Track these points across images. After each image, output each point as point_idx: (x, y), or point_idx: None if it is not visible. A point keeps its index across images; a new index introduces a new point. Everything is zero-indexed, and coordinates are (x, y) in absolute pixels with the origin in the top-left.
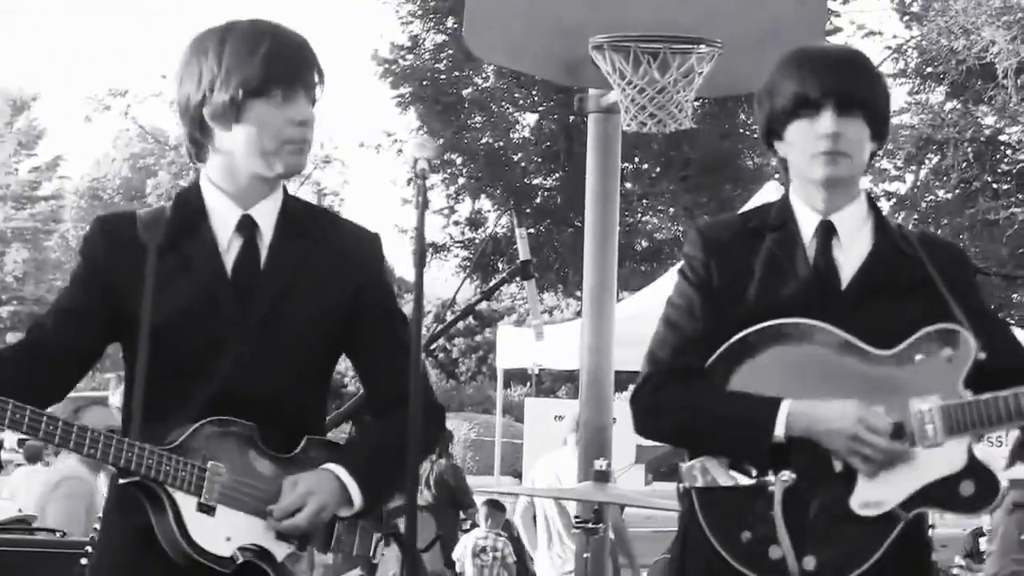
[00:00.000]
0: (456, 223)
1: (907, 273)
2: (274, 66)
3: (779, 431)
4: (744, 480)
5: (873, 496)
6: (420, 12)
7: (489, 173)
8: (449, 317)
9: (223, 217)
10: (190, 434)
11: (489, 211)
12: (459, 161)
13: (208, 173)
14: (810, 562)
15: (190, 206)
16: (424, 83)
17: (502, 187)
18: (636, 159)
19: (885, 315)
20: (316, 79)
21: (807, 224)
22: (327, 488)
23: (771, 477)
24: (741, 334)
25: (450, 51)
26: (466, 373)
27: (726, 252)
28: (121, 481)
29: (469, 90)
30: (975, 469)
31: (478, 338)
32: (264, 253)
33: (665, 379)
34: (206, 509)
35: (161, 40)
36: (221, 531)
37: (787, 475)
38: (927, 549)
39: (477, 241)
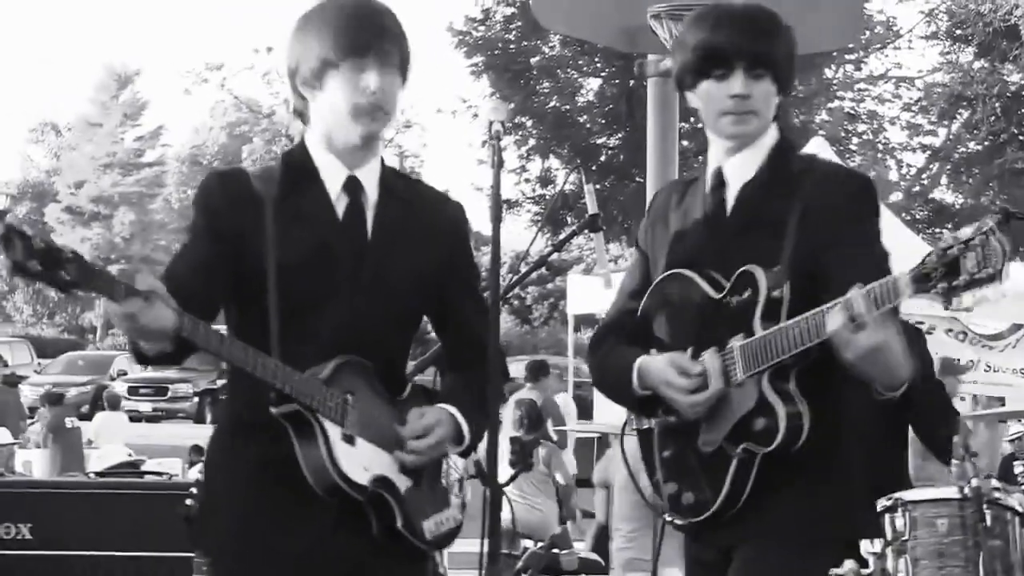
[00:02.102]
0: (527, 181)
1: (777, 207)
2: (345, 38)
3: (635, 386)
4: (644, 425)
5: (708, 435)
6: None
7: (557, 134)
8: (523, 268)
9: (332, 175)
10: (334, 368)
11: (558, 169)
12: (529, 124)
13: (313, 134)
14: (688, 497)
15: (300, 164)
16: (495, 52)
17: (569, 147)
18: (692, 119)
19: (759, 248)
20: (392, 47)
21: (710, 171)
22: (447, 423)
23: (648, 423)
24: (652, 284)
25: (519, 23)
26: (539, 319)
27: (660, 212)
28: (275, 410)
29: (537, 58)
30: (763, 406)
31: (550, 286)
32: (370, 214)
33: (601, 336)
34: (348, 439)
35: (253, 16)
36: (360, 460)
37: (646, 421)
38: (811, 481)
39: (547, 197)
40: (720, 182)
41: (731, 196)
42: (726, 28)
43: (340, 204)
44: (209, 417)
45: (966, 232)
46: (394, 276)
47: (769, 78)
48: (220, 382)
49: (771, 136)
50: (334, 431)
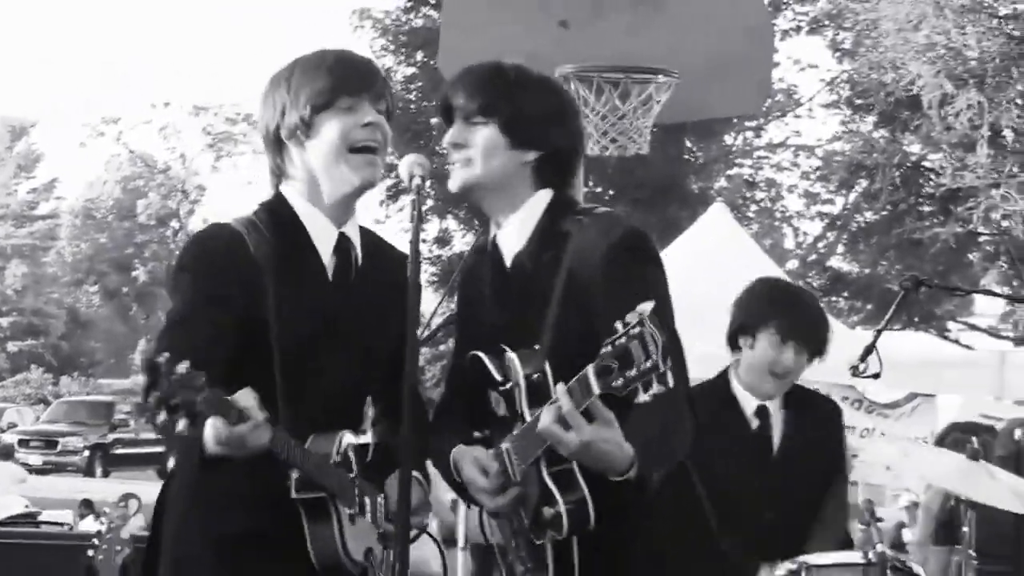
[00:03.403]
0: (424, 241)
1: (544, 277)
2: (338, 78)
3: (455, 477)
4: None
5: (523, 523)
6: (392, 47)
7: (455, 195)
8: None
9: (321, 235)
10: (338, 447)
11: (455, 230)
12: (428, 184)
13: (294, 187)
14: None
15: (287, 223)
16: (395, 112)
17: (467, 208)
18: (591, 183)
19: (532, 326)
20: (383, 90)
21: (490, 238)
22: (419, 492)
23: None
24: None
25: (419, 83)
26: (431, 379)
27: (465, 283)
28: (298, 495)
29: (436, 119)
30: (545, 495)
31: (442, 348)
32: (355, 274)
33: (432, 421)
34: (352, 519)
35: (151, 70)
36: (359, 536)
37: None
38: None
39: (443, 258)
40: (496, 253)
41: (507, 268)
42: (452, 84)
43: (331, 266)
44: (99, 471)
45: (629, 319)
46: (380, 338)
47: (494, 126)
48: (111, 436)
49: (541, 198)
50: (344, 512)
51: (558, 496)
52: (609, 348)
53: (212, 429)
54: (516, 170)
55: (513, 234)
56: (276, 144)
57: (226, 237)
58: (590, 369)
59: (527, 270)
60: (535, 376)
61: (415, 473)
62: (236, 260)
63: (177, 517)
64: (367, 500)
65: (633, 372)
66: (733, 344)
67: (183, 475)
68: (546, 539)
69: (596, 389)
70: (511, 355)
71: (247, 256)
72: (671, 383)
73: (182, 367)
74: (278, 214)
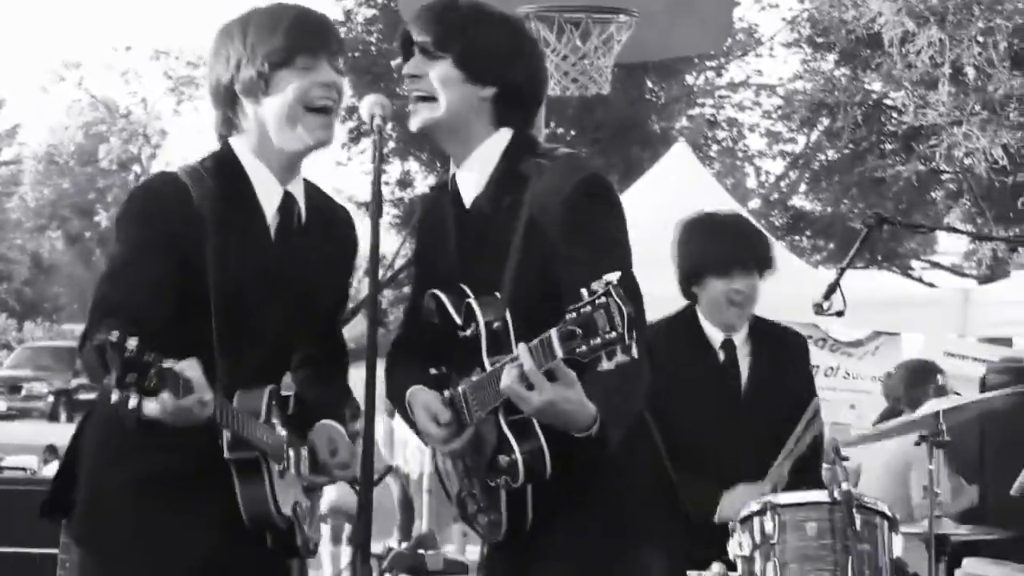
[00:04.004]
0: (386, 183)
1: (503, 222)
2: (296, 36)
3: (410, 414)
4: None
5: (477, 466)
6: None
7: (416, 137)
8: (381, 271)
9: (267, 191)
10: (267, 403)
11: (416, 172)
12: (389, 126)
13: (245, 144)
14: (482, 519)
15: (233, 176)
16: (356, 54)
17: (429, 150)
18: (552, 123)
19: (492, 272)
20: (339, 51)
21: (449, 178)
22: (347, 441)
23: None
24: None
25: (380, 25)
26: (394, 321)
27: (425, 221)
28: (231, 455)
29: (398, 60)
30: (503, 443)
31: (406, 290)
32: (296, 233)
33: (390, 355)
34: (281, 474)
35: (113, 14)
36: (287, 490)
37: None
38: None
39: (406, 200)
40: (456, 195)
41: (466, 208)
42: (412, 21)
43: (273, 224)
44: (64, 416)
45: (594, 287)
46: (318, 298)
47: (450, 60)
48: (75, 382)
49: (500, 138)
50: (274, 469)
51: (515, 444)
52: (574, 315)
53: (159, 402)
54: (474, 105)
55: (472, 176)
56: (228, 97)
57: (171, 187)
58: (554, 333)
59: (486, 214)
60: (495, 324)
61: (337, 426)
62: (179, 211)
63: (96, 454)
64: (291, 453)
65: (597, 341)
66: (687, 293)
67: (105, 411)
68: (501, 484)
69: (559, 353)
70: (471, 301)
71: (190, 207)
72: (635, 354)
73: (131, 343)
74: (225, 167)
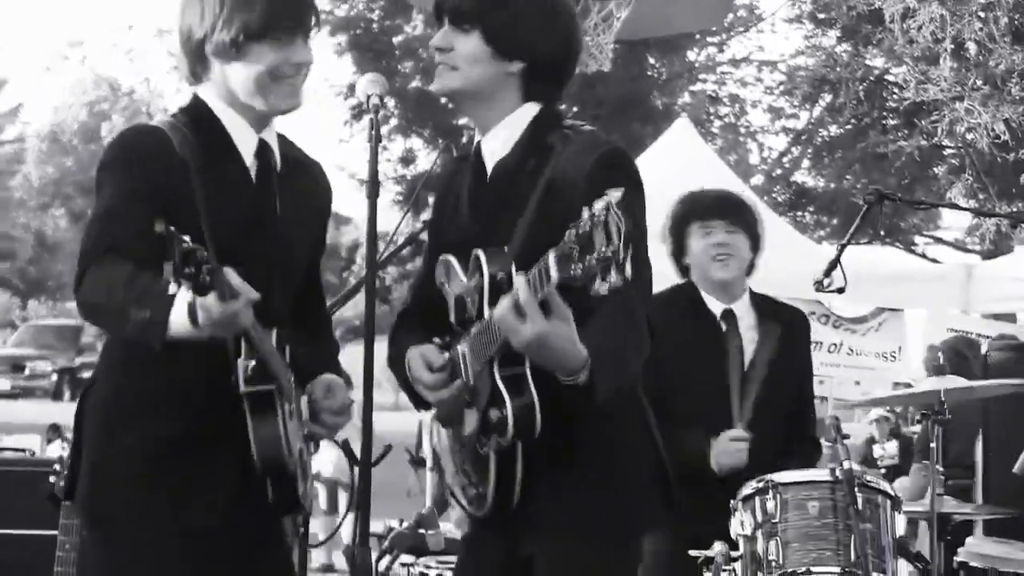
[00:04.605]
0: (388, 160)
1: (524, 183)
2: (274, 11)
3: (409, 377)
4: None
5: (469, 428)
6: None
7: (419, 114)
8: (381, 247)
9: (244, 140)
10: (277, 343)
11: (419, 149)
12: (391, 104)
13: (214, 93)
14: (471, 491)
15: (209, 125)
16: (358, 32)
17: (431, 127)
18: None
19: (506, 228)
20: (314, 22)
21: (474, 148)
22: (344, 391)
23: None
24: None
25: (381, 2)
26: (397, 299)
27: (441, 193)
28: (247, 388)
29: (400, 37)
30: (495, 397)
31: (409, 267)
32: (275, 179)
33: (395, 326)
34: (290, 414)
35: None
36: (294, 433)
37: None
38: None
39: (408, 177)
40: (479, 161)
41: (488, 173)
42: None
43: (253, 168)
44: (67, 394)
45: (596, 205)
46: (297, 246)
47: (478, 34)
48: (79, 360)
49: (527, 111)
50: (286, 408)
51: (507, 398)
52: (573, 232)
53: (203, 308)
54: (501, 80)
55: (497, 142)
56: (198, 51)
57: (151, 136)
58: (551, 253)
59: (508, 176)
60: (499, 275)
61: (336, 377)
62: (161, 157)
63: (99, 424)
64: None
65: (593, 258)
66: (680, 268)
67: (106, 381)
68: (491, 446)
69: (555, 275)
70: (478, 252)
71: (172, 153)
72: (628, 275)
73: (187, 237)
74: (199, 117)
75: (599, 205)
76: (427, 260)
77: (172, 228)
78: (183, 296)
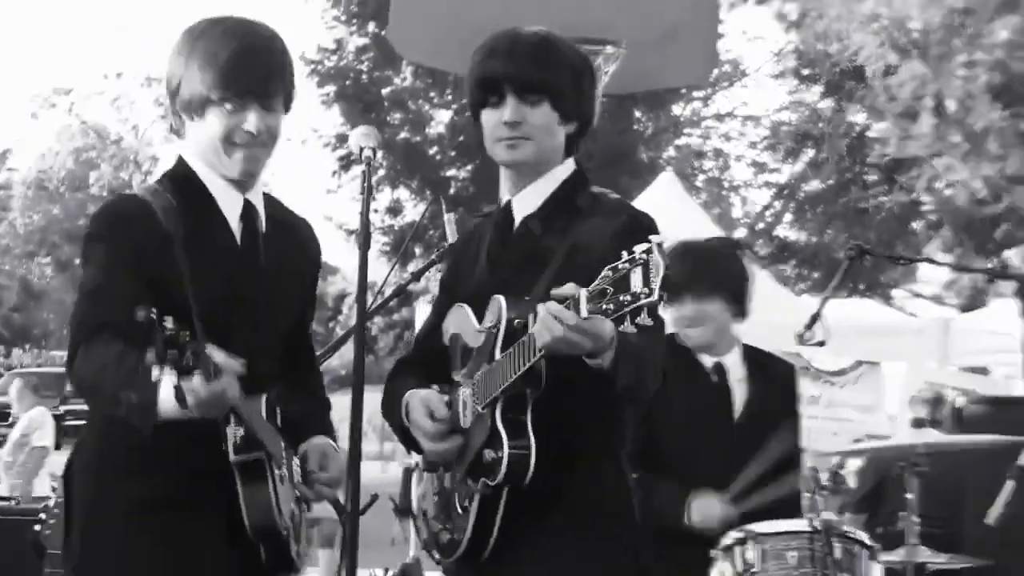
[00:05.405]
0: (375, 211)
1: (550, 241)
2: (229, 77)
3: (403, 420)
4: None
5: (458, 471)
6: (343, 17)
7: (407, 165)
8: (370, 298)
9: (228, 202)
10: (266, 410)
11: (406, 200)
12: (379, 155)
13: (194, 152)
14: (444, 536)
15: (193, 189)
16: (347, 83)
17: (419, 178)
18: None
19: (526, 282)
20: (277, 86)
21: (502, 204)
22: (340, 459)
23: None
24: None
25: (371, 53)
26: (384, 349)
27: (460, 248)
28: (237, 457)
29: (388, 89)
30: (493, 438)
31: (395, 316)
32: (261, 241)
33: (395, 369)
34: (281, 479)
35: (104, 41)
36: (285, 498)
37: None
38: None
39: (395, 228)
40: (508, 216)
41: (515, 228)
42: (498, 55)
43: (238, 232)
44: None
45: (637, 248)
46: (284, 306)
47: (547, 104)
48: (63, 408)
49: (564, 169)
50: (276, 474)
51: (505, 439)
52: (609, 273)
53: (189, 390)
54: (561, 142)
55: (529, 199)
56: (173, 104)
57: (134, 206)
58: (582, 291)
59: (534, 232)
60: (517, 321)
61: (330, 443)
62: (146, 229)
63: (89, 483)
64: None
65: (627, 298)
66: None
67: (95, 439)
68: (479, 488)
69: (584, 313)
70: (499, 298)
71: (157, 225)
72: (660, 318)
73: (168, 321)
74: (183, 182)
75: (641, 247)
76: (436, 311)
77: (153, 312)
78: (168, 379)
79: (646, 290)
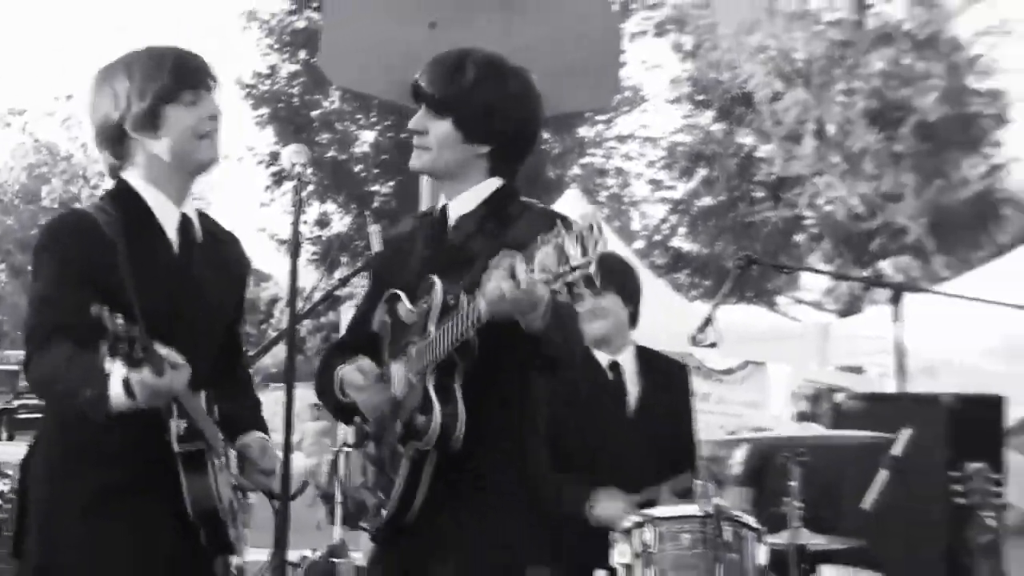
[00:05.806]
0: (305, 223)
1: (482, 241)
2: (181, 74)
3: (337, 393)
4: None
5: (390, 437)
6: (277, 45)
7: (334, 181)
8: (300, 303)
9: (166, 215)
10: (206, 405)
11: (333, 213)
12: (309, 171)
13: (136, 174)
14: (373, 501)
15: (133, 205)
16: (279, 105)
17: (345, 193)
18: None
19: (457, 274)
20: (215, 82)
21: (439, 207)
22: (275, 453)
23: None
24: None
25: (302, 79)
26: (312, 349)
27: (395, 242)
28: (180, 447)
29: (317, 112)
30: (425, 403)
31: (323, 319)
32: (196, 251)
33: (327, 352)
34: (221, 468)
35: (56, 65)
36: (224, 484)
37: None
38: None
39: (323, 239)
40: (444, 215)
41: (450, 227)
42: (426, 68)
43: (176, 242)
44: (5, 434)
45: (576, 219)
46: (219, 312)
47: (450, 121)
48: (16, 402)
49: (489, 185)
50: (217, 463)
51: (436, 404)
52: (541, 239)
53: (138, 382)
54: (470, 161)
55: (462, 204)
56: (117, 134)
57: (80, 219)
58: (517, 255)
59: (468, 230)
60: (450, 299)
61: (267, 439)
62: (91, 240)
63: (43, 476)
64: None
65: (566, 267)
66: None
67: (49, 439)
68: (408, 452)
69: (530, 276)
70: (435, 277)
71: (101, 235)
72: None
73: (118, 318)
74: (124, 198)
75: (580, 219)
76: (368, 300)
77: (106, 308)
78: (119, 372)
79: (584, 260)
